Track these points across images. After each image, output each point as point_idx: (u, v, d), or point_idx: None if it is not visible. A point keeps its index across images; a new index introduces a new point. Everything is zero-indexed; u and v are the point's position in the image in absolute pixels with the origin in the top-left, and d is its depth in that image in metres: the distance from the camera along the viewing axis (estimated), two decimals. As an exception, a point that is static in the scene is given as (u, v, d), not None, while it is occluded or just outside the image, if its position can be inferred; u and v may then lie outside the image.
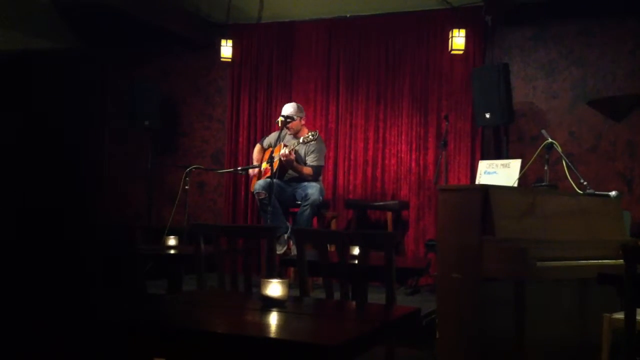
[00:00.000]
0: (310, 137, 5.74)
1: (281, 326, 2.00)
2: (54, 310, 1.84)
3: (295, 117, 6.00)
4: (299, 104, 6.21)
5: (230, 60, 7.15)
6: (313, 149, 5.92)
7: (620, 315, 3.33)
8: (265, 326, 1.99)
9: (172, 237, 4.08)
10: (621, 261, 2.54)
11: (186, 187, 5.73)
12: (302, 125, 6.10)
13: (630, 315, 2.32)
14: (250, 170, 6.29)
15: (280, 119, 5.96)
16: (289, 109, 6.08)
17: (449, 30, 6.23)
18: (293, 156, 5.82)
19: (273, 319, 2.04)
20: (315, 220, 6.05)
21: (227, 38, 7.08)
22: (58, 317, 1.84)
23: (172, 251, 3.91)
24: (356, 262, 2.80)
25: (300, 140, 5.80)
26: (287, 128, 6.00)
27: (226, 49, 7.07)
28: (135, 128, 7.34)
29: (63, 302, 1.86)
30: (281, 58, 7.24)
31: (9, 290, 1.79)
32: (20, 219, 1.86)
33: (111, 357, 1.88)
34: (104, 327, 1.86)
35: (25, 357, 1.78)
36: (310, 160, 5.96)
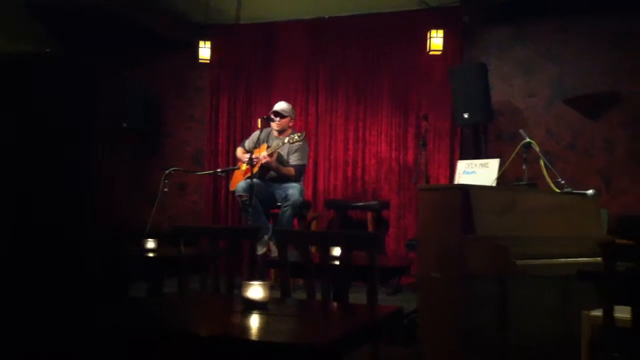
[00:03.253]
0: (297, 137, 5.74)
1: (264, 328, 2.00)
2: (49, 311, 1.82)
3: (286, 115, 6.01)
4: (293, 107, 6.21)
5: (208, 61, 7.11)
6: (296, 147, 5.92)
7: (598, 312, 3.36)
8: (247, 328, 1.99)
9: (151, 239, 4.04)
10: (599, 258, 2.58)
11: (165, 189, 5.69)
12: (289, 126, 6.09)
13: (609, 312, 2.35)
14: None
15: (264, 117, 5.96)
16: (282, 105, 6.08)
17: (427, 31, 6.26)
18: (273, 161, 5.80)
19: (255, 321, 2.03)
20: (295, 221, 6.05)
21: (205, 39, 7.05)
22: (53, 319, 1.82)
23: (151, 254, 3.88)
24: (338, 262, 2.80)
25: (286, 140, 5.79)
26: (274, 123, 5.98)
27: (204, 50, 7.04)
28: (116, 129, 7.28)
29: (59, 303, 1.85)
30: (260, 59, 7.23)
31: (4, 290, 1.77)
32: (15, 224, 1.84)
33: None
34: (97, 330, 1.85)
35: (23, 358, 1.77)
36: (293, 159, 5.95)
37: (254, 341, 1.78)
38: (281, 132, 6.05)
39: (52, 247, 1.88)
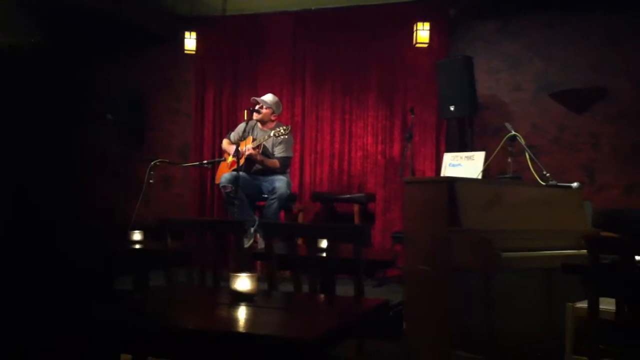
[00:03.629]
0: (282, 131, 5.73)
1: (252, 320, 2.00)
2: (43, 309, 1.81)
3: (265, 108, 5.99)
4: (279, 101, 6.20)
5: (194, 53, 7.06)
6: (281, 140, 5.91)
7: (583, 304, 3.39)
8: (235, 321, 1.98)
9: (137, 231, 4.02)
10: (583, 251, 2.60)
11: (151, 181, 5.66)
12: (271, 119, 6.07)
13: (594, 304, 2.37)
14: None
15: (249, 108, 5.94)
16: (268, 96, 6.08)
17: (414, 24, 6.26)
18: (258, 154, 5.80)
19: (243, 313, 2.03)
20: (282, 213, 6.04)
21: (191, 30, 7.00)
22: (47, 316, 1.81)
23: (137, 246, 3.86)
24: (324, 255, 2.80)
25: (272, 133, 5.78)
26: (256, 113, 5.97)
27: (190, 42, 6.98)
28: (101, 122, 7.23)
29: (46, 299, 1.83)
30: (246, 51, 7.20)
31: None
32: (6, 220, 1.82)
33: (82, 354, 1.86)
34: (86, 326, 1.84)
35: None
36: (278, 151, 5.94)
37: (241, 334, 1.78)
38: (264, 123, 6.04)
39: (37, 243, 1.86)
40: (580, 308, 3.41)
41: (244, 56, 7.21)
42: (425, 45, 6.26)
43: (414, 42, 6.26)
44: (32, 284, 1.81)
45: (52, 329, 1.81)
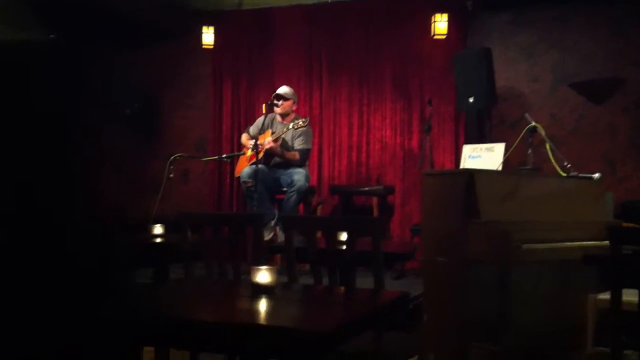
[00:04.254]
0: (301, 123, 5.74)
1: (272, 313, 2.01)
2: (50, 305, 1.83)
3: (288, 98, 6.01)
4: (294, 91, 6.21)
5: (212, 47, 7.10)
6: (300, 132, 5.91)
7: (604, 296, 3.38)
8: (255, 313, 2.00)
9: (157, 225, 4.06)
10: (604, 242, 2.58)
11: (170, 175, 5.69)
12: (292, 110, 6.09)
13: (617, 296, 2.35)
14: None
15: (268, 102, 5.95)
16: (284, 88, 6.08)
17: (430, 15, 6.23)
18: (277, 147, 5.81)
19: (263, 305, 2.04)
20: (301, 206, 6.05)
21: (208, 24, 7.03)
22: (55, 313, 1.83)
23: (158, 240, 3.89)
24: (344, 247, 2.81)
25: (290, 126, 5.79)
26: (277, 106, 5.98)
27: (208, 36, 7.02)
28: (116, 118, 7.29)
29: (58, 296, 1.85)
30: (262, 45, 7.21)
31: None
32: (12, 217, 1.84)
33: (103, 349, 1.88)
34: (106, 321, 1.86)
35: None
36: (297, 144, 5.95)
37: (261, 325, 1.79)
38: (284, 116, 6.05)
39: (46, 239, 1.87)
40: (602, 299, 3.39)
41: (259, 50, 7.22)
42: (443, 37, 6.23)
43: (432, 33, 6.23)
44: (47, 280, 1.83)
45: (69, 326, 1.84)
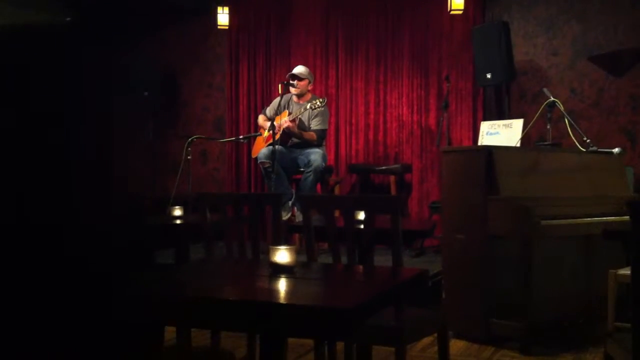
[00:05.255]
0: (319, 103, 5.73)
1: (291, 291, 2.02)
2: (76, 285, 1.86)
3: (303, 77, 5.99)
4: (310, 71, 6.18)
5: (227, 27, 7.09)
6: (317, 112, 5.90)
7: (625, 271, 3.36)
8: (275, 292, 2.01)
9: (177, 207, 4.10)
10: (625, 217, 2.56)
11: (188, 157, 5.72)
12: (308, 89, 6.07)
13: (637, 271, 2.34)
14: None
15: (283, 82, 5.94)
16: (299, 68, 6.07)
17: (447, -10, 6.15)
18: (294, 127, 5.81)
19: (283, 284, 2.06)
20: (318, 186, 6.07)
21: (223, 5, 7.01)
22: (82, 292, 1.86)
23: (178, 221, 3.93)
24: (362, 226, 2.81)
25: (308, 106, 5.78)
26: (293, 86, 5.97)
27: (223, 17, 7.00)
28: (135, 99, 7.32)
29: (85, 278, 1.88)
30: (278, 23, 7.18)
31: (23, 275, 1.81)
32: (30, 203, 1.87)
33: (126, 329, 1.91)
34: (129, 299, 1.88)
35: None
36: (314, 124, 5.94)
37: (281, 304, 1.81)
38: (300, 96, 6.04)
39: (72, 223, 1.90)
40: (623, 274, 3.37)
41: (275, 29, 7.19)
42: (460, 12, 6.16)
43: (449, 8, 6.16)
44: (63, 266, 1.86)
45: (94, 306, 1.86)
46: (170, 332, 2.91)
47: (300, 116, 5.87)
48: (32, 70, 1.98)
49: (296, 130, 5.84)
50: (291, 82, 5.96)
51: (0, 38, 1.99)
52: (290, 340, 2.15)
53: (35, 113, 1.92)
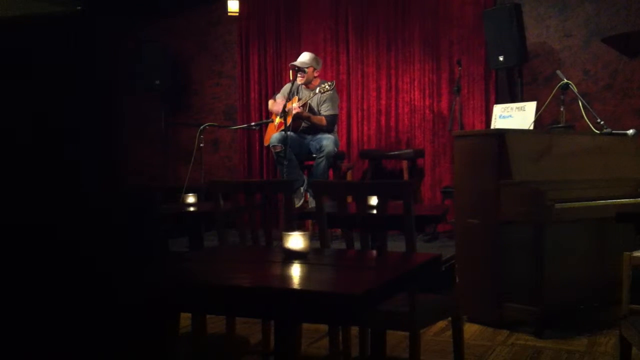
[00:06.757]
0: (327, 87, 5.71)
1: (305, 277, 2.03)
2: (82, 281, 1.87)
3: (306, 69, 5.95)
4: (316, 56, 6.12)
5: (237, 14, 7.07)
6: (325, 98, 5.89)
7: (639, 254, 3.34)
8: (289, 278, 2.02)
9: (190, 195, 4.12)
10: (639, 199, 2.54)
11: (201, 144, 5.73)
12: (314, 76, 6.04)
13: (651, 252, 2.32)
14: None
15: (293, 68, 5.93)
16: (302, 57, 6.03)
17: (458, -27, 6.10)
18: (304, 111, 5.81)
19: (296, 270, 2.07)
20: (330, 172, 6.07)
21: (232, -8, 7.00)
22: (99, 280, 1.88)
23: (191, 209, 3.95)
24: (374, 212, 2.81)
25: (317, 90, 5.76)
26: (300, 76, 5.96)
27: (233, 4, 6.99)
28: (145, 88, 7.34)
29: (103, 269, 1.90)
30: (288, 10, 7.15)
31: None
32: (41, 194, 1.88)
33: (139, 316, 1.93)
34: (144, 286, 1.90)
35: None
36: (324, 110, 5.93)
37: (295, 290, 1.82)
38: (308, 84, 6.02)
39: (85, 215, 1.91)
40: (638, 257, 3.36)
41: (286, 15, 7.17)
42: (471, -5, 6.11)
43: (459, -9, 6.11)
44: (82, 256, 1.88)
45: (112, 294, 1.88)
46: (185, 318, 2.93)
47: (309, 102, 5.86)
48: (41, 57, 1.98)
49: (305, 114, 5.84)
50: (297, 70, 5.95)
51: (13, 28, 2.00)
52: (305, 325, 2.16)
53: (45, 103, 1.93)
